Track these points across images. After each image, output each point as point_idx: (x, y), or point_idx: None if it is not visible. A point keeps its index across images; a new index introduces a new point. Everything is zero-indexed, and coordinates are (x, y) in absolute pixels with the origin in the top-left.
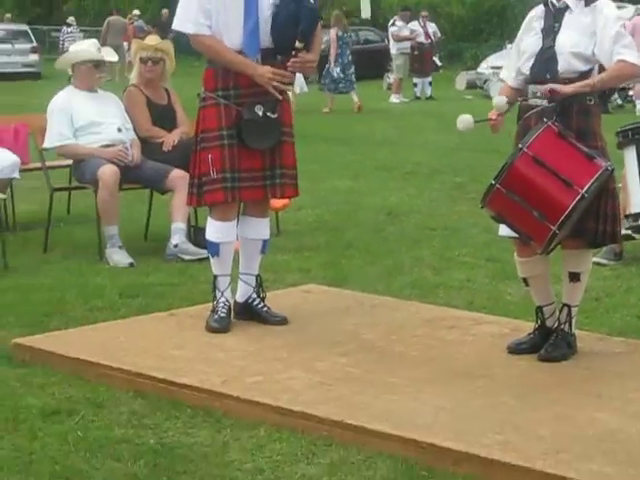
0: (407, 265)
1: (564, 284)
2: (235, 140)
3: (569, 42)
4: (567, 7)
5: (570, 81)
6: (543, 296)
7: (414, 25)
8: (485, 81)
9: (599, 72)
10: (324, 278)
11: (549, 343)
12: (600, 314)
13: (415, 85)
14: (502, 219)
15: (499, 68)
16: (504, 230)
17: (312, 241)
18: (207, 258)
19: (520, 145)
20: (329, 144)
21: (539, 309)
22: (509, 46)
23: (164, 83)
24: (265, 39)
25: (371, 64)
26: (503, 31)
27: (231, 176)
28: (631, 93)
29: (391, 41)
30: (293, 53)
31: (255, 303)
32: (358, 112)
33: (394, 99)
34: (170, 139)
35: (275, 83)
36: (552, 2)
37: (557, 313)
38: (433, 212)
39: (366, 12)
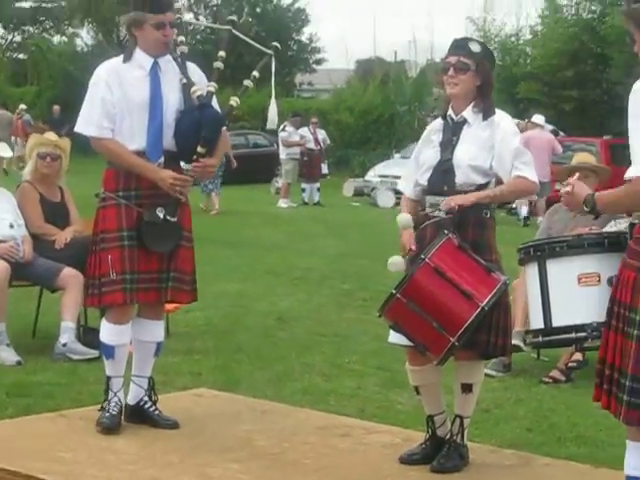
0: (297, 371)
1: (456, 395)
2: (135, 241)
3: (467, 155)
4: (465, 121)
5: (465, 192)
6: (434, 405)
7: (304, 131)
8: (372, 189)
9: (495, 185)
10: (215, 382)
11: (441, 454)
12: (490, 426)
13: (303, 190)
14: (399, 328)
15: (386, 177)
16: (394, 337)
17: (202, 344)
18: (96, 358)
19: (422, 256)
20: (217, 246)
21: (430, 418)
22: (397, 155)
23: (59, 180)
24: (168, 143)
25: (260, 168)
26: (391, 140)
27: (130, 277)
28: (514, 205)
29: (280, 146)
30: (195, 158)
31: (147, 406)
32: (205, 212)
33: (282, 204)
34: (62, 237)
35: (177, 188)
36: (450, 116)
37: (448, 423)
38: (322, 318)
39: (272, 123)
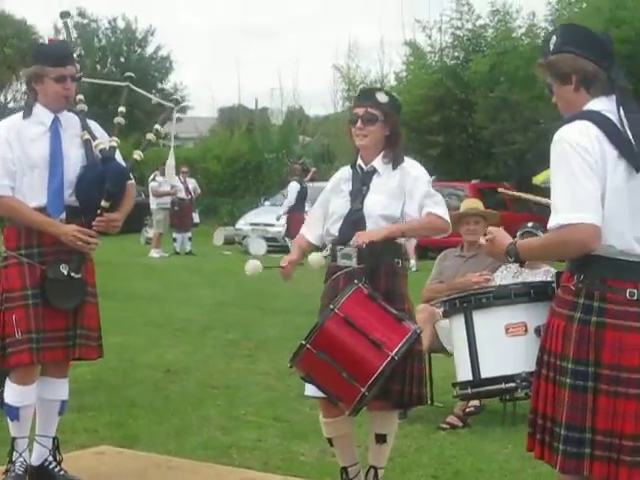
0: (195, 424)
1: (370, 446)
2: (40, 299)
3: (378, 205)
4: (375, 170)
5: (377, 242)
6: (348, 457)
7: (174, 180)
8: (244, 237)
9: None
10: (112, 438)
11: None
12: (397, 475)
13: (175, 240)
14: (311, 379)
15: (258, 224)
16: (309, 390)
17: (94, 400)
18: None
19: (331, 306)
20: None
21: (344, 470)
22: (267, 203)
23: None
24: (70, 198)
25: (129, 218)
26: (259, 188)
27: (36, 337)
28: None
29: (151, 196)
30: (99, 212)
31: (52, 466)
32: None
33: (154, 254)
34: None
35: (79, 242)
36: (360, 165)
37: (362, 475)
38: (211, 369)
39: (170, 175)
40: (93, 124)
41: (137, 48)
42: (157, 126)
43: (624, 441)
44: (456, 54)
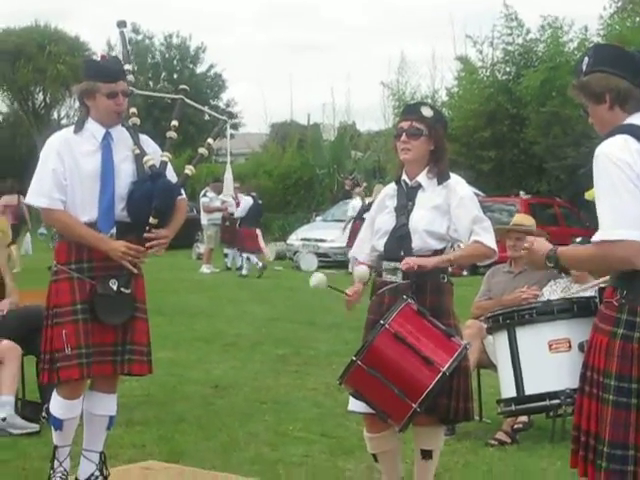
0: (242, 440)
1: (416, 462)
2: (89, 314)
3: (423, 220)
4: (420, 186)
5: (422, 257)
6: (393, 473)
7: (226, 196)
8: (295, 252)
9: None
10: (160, 453)
11: None
12: None
13: (226, 256)
14: (360, 395)
15: (309, 240)
16: (353, 405)
17: (142, 415)
18: (37, 432)
19: (382, 321)
20: None
21: None
22: (318, 218)
23: None
24: (120, 214)
25: (180, 234)
26: (310, 203)
27: (86, 352)
28: None
29: (202, 212)
30: (147, 229)
31: None
32: None
33: (205, 269)
34: None
35: (129, 258)
36: (405, 181)
37: None
38: (259, 385)
39: (229, 190)
40: (145, 138)
41: (190, 65)
42: (210, 140)
43: None
44: (507, 69)
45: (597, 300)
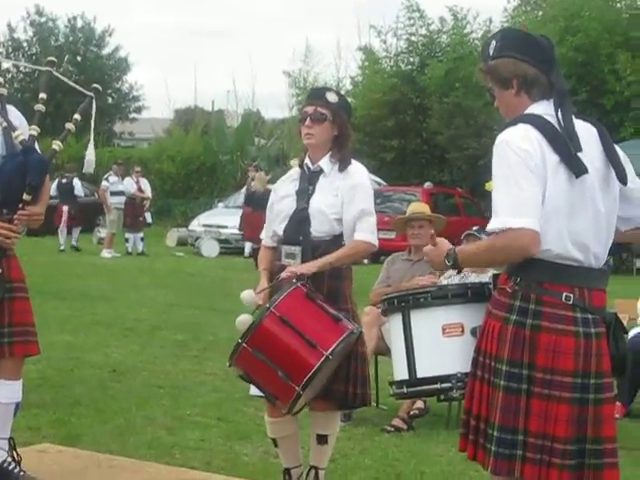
0: (139, 424)
1: (311, 446)
2: None
3: (323, 205)
4: (322, 170)
5: (321, 242)
6: (292, 458)
7: (127, 180)
8: (197, 239)
9: None
10: (55, 436)
11: None
12: (339, 476)
13: (127, 240)
14: (249, 378)
15: (211, 226)
16: (254, 389)
17: (38, 398)
18: None
19: (268, 305)
20: (43, 297)
21: (287, 471)
22: (220, 205)
23: None
24: None
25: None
26: (213, 189)
27: None
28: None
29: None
30: (20, 206)
31: (11, 467)
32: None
33: (106, 254)
34: None
35: (0, 238)
36: (307, 165)
37: (304, 476)
38: (158, 370)
39: (90, 166)
40: (13, 110)
41: (94, 48)
42: (76, 115)
43: (555, 444)
44: (411, 59)
45: (491, 286)
